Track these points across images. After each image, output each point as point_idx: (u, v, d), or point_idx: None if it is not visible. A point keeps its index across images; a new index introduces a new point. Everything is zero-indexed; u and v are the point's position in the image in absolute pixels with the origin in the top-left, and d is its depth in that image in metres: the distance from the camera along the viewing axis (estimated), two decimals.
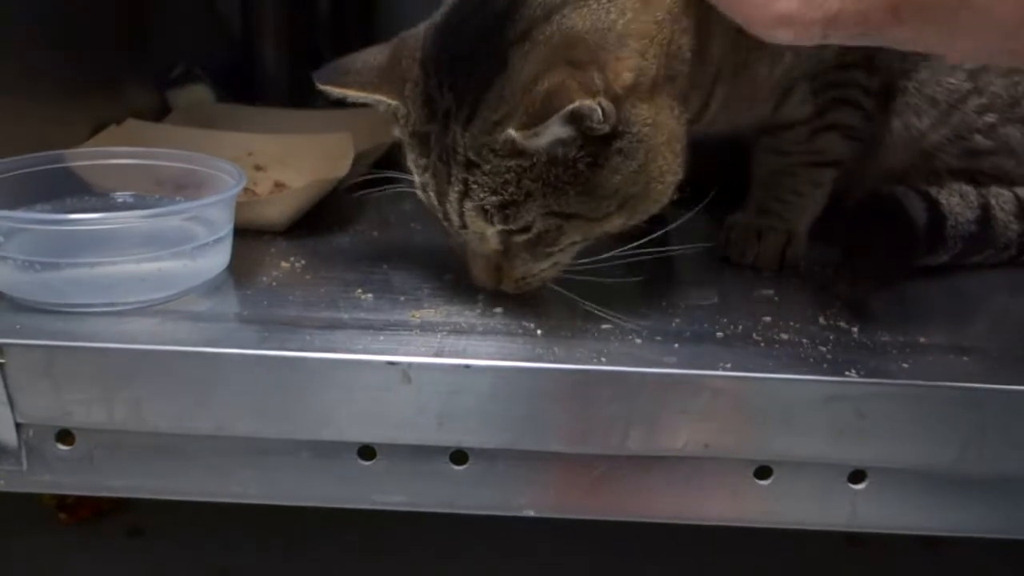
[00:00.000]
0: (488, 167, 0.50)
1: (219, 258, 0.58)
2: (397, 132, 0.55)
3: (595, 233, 0.53)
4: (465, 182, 0.51)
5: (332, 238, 0.67)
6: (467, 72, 0.50)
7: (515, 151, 0.49)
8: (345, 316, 0.54)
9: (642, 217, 0.54)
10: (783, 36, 0.45)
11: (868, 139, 0.66)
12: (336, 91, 0.54)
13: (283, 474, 0.52)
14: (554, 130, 0.47)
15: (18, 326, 0.51)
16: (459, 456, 0.51)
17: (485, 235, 0.52)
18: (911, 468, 0.51)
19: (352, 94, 0.54)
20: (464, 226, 0.52)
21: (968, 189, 0.63)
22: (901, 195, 0.60)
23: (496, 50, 0.49)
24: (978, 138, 0.67)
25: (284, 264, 0.61)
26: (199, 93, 0.92)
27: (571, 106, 0.46)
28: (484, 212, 0.51)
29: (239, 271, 0.59)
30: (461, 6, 0.53)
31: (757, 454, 0.51)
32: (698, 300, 0.59)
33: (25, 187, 0.59)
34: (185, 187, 0.63)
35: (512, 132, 0.47)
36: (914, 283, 0.60)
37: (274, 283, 0.58)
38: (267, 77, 1.01)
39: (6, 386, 0.50)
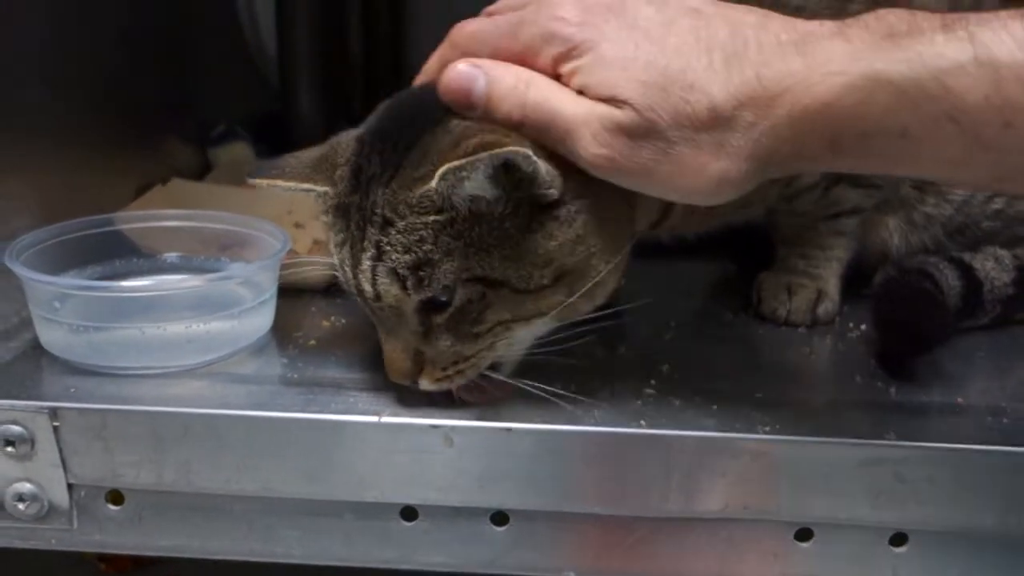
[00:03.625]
0: (403, 224, 0.47)
1: (264, 319, 0.59)
2: (323, 219, 0.53)
3: (527, 312, 0.49)
4: (378, 244, 0.48)
5: None
6: (398, 136, 0.49)
7: (434, 206, 0.47)
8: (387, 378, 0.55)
9: (583, 306, 0.51)
10: (724, 197, 0.45)
11: (886, 186, 0.66)
12: (266, 183, 0.53)
13: (326, 535, 0.53)
14: (479, 178, 0.45)
15: (72, 389, 0.52)
16: (500, 517, 0.52)
17: (403, 310, 0.49)
18: (952, 531, 0.51)
19: (283, 184, 0.53)
20: (378, 297, 0.49)
21: (1003, 253, 0.64)
22: (932, 266, 0.60)
23: (433, 112, 0.48)
24: (987, 224, 0.68)
25: (325, 323, 0.63)
26: (240, 150, 0.94)
27: (505, 150, 0.44)
28: (397, 276, 0.48)
29: (282, 331, 0.61)
30: (399, 96, 0.53)
31: (797, 516, 0.51)
32: (733, 358, 0.59)
33: (77, 250, 0.61)
34: (230, 247, 0.65)
35: (434, 176, 0.45)
36: (952, 343, 0.61)
37: (316, 343, 0.60)
38: (304, 134, 1.03)
39: (60, 448, 0.51)
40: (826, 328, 0.64)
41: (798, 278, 0.66)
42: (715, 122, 0.43)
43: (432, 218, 0.47)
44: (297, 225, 0.78)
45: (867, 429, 0.50)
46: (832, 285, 0.66)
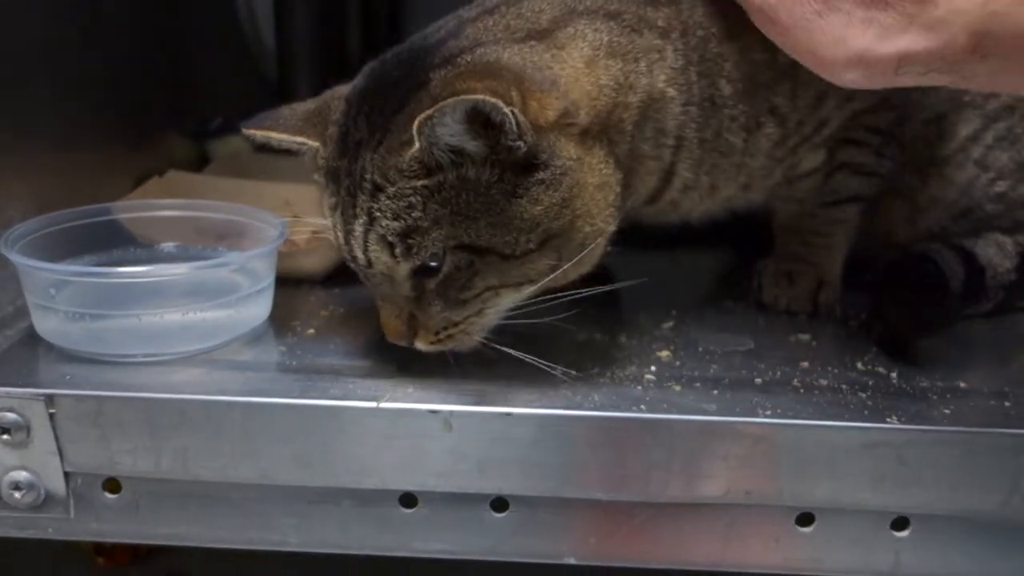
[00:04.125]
0: (393, 189, 0.47)
1: (261, 308, 0.59)
2: (316, 178, 0.53)
3: (514, 278, 0.49)
4: (370, 211, 0.48)
5: None
6: (384, 99, 0.49)
7: (423, 168, 0.47)
8: (385, 364, 0.55)
9: (573, 271, 0.51)
10: (854, 77, 0.45)
11: (888, 175, 0.66)
12: (260, 135, 0.54)
13: (324, 522, 0.53)
14: (450, 124, 0.44)
15: (68, 376, 0.52)
16: (500, 504, 0.52)
17: (394, 277, 0.50)
18: (955, 515, 0.50)
19: (275, 136, 0.53)
20: (369, 263, 0.50)
21: (1005, 239, 0.63)
22: (935, 252, 0.60)
23: (417, 76, 0.48)
24: (990, 207, 0.68)
25: (323, 313, 0.62)
26: (237, 143, 0.93)
27: (471, 97, 0.44)
28: (388, 244, 0.48)
29: (280, 320, 0.60)
30: (399, 47, 0.53)
31: (799, 501, 0.50)
32: (734, 346, 0.59)
33: (73, 239, 0.61)
34: (227, 237, 0.64)
35: (416, 127, 0.45)
36: (953, 328, 0.60)
37: (314, 332, 0.59)
38: None
39: (56, 436, 0.51)
40: (826, 315, 0.64)
41: (798, 265, 0.65)
42: (874, 2, 0.43)
43: (421, 183, 0.47)
44: (295, 216, 0.78)
45: (869, 413, 0.50)
46: (833, 272, 0.66)
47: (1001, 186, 0.67)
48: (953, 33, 0.41)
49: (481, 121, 0.46)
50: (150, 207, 0.65)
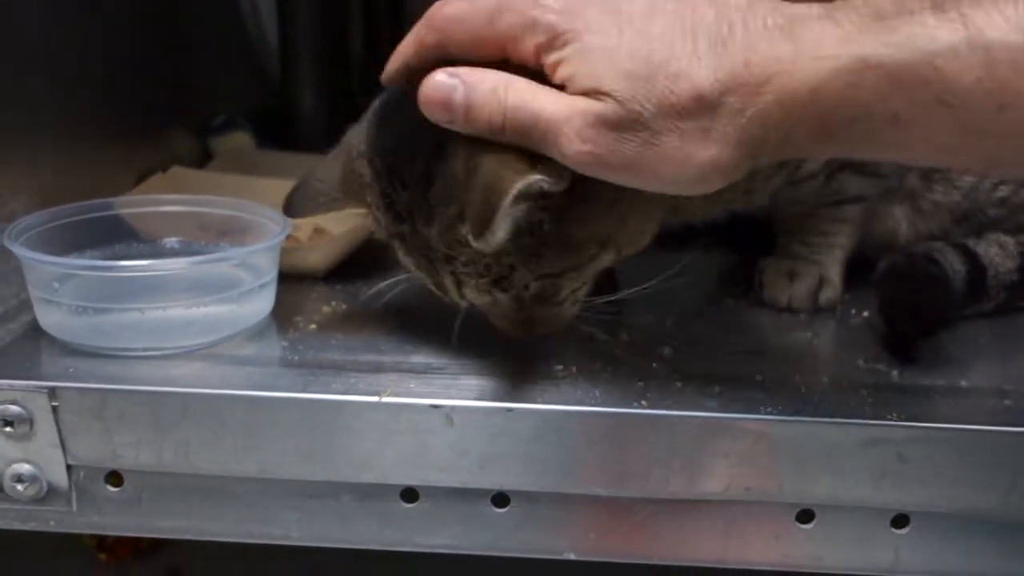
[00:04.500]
0: (464, 257, 0.50)
1: (263, 303, 0.59)
2: (377, 235, 0.55)
3: (592, 274, 0.53)
4: (453, 273, 0.51)
5: (372, 282, 0.67)
6: (410, 167, 0.50)
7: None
8: (387, 360, 0.55)
9: (636, 247, 0.53)
10: (711, 185, 0.44)
11: (890, 175, 0.66)
12: (305, 221, 0.56)
13: (325, 516, 0.53)
14: (502, 224, 0.46)
15: (71, 369, 0.52)
16: (501, 499, 0.52)
17: (496, 301, 0.52)
18: (955, 512, 0.50)
19: (324, 217, 0.55)
20: (472, 305, 0.53)
21: (1007, 239, 0.64)
22: (937, 251, 0.60)
23: (429, 136, 0.48)
24: (992, 211, 0.68)
25: (326, 308, 0.62)
26: (240, 140, 0.94)
27: (513, 192, 0.45)
28: (480, 291, 0.51)
29: (282, 316, 0.60)
30: (392, 94, 0.53)
31: (799, 498, 0.51)
32: (736, 343, 0.59)
33: (76, 234, 0.61)
34: (230, 233, 0.64)
35: (471, 239, 0.47)
36: (954, 327, 0.60)
37: (316, 327, 0.59)
38: (304, 124, 1.03)
39: (59, 429, 0.51)
40: (829, 314, 0.64)
41: (800, 264, 0.66)
42: (701, 109, 0.42)
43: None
44: None
45: (870, 410, 0.50)
46: (834, 272, 0.66)
47: (1004, 191, 0.67)
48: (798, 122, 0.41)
49: (520, 198, 0.46)
50: (153, 202, 0.65)
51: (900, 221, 0.68)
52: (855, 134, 0.41)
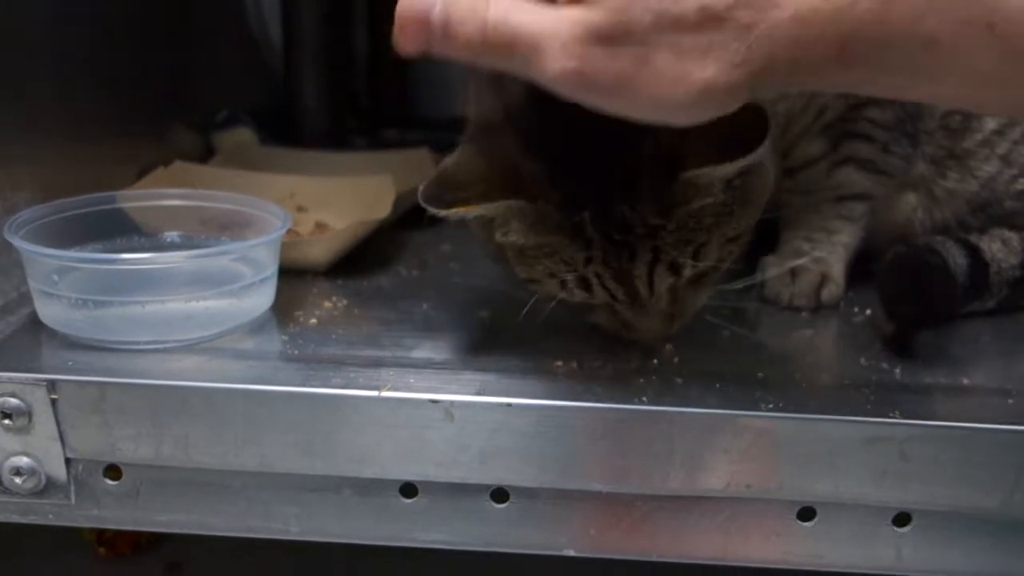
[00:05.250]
0: (674, 223, 0.48)
1: (264, 297, 0.59)
2: (514, 237, 0.51)
3: (745, 243, 0.53)
4: (654, 249, 0.49)
5: (373, 278, 0.68)
6: (601, 140, 0.47)
7: (701, 192, 0.48)
8: (387, 355, 0.55)
9: None
10: (705, 112, 0.40)
11: (897, 172, 0.66)
12: (454, 213, 0.49)
13: (324, 511, 0.53)
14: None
15: (70, 362, 0.52)
16: (500, 494, 0.52)
17: (660, 295, 0.51)
18: (957, 511, 0.50)
19: (473, 211, 0.49)
20: (651, 293, 0.51)
21: (1011, 235, 0.63)
22: (939, 244, 0.60)
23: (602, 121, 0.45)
24: (1009, 203, 0.67)
25: (327, 303, 0.62)
26: (243, 136, 0.94)
27: (768, 132, 0.44)
28: (673, 268, 0.50)
29: (283, 310, 0.60)
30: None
31: (800, 495, 0.50)
32: (737, 340, 0.58)
33: (77, 227, 0.61)
34: (230, 227, 0.64)
35: (707, 171, 0.46)
36: (956, 324, 0.60)
37: (317, 322, 0.59)
38: (307, 120, 1.03)
39: (58, 421, 0.51)
40: (831, 311, 0.64)
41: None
42: (704, 23, 0.37)
43: (699, 204, 0.48)
44: (300, 209, 0.78)
45: (872, 408, 0.50)
46: (837, 270, 0.66)
47: (1022, 183, 0.66)
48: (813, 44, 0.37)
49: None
50: (154, 196, 0.65)
51: (916, 208, 0.68)
52: (882, 60, 0.37)
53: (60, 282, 0.55)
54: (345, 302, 0.63)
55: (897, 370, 0.55)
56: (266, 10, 1.10)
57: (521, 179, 0.50)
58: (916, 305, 0.56)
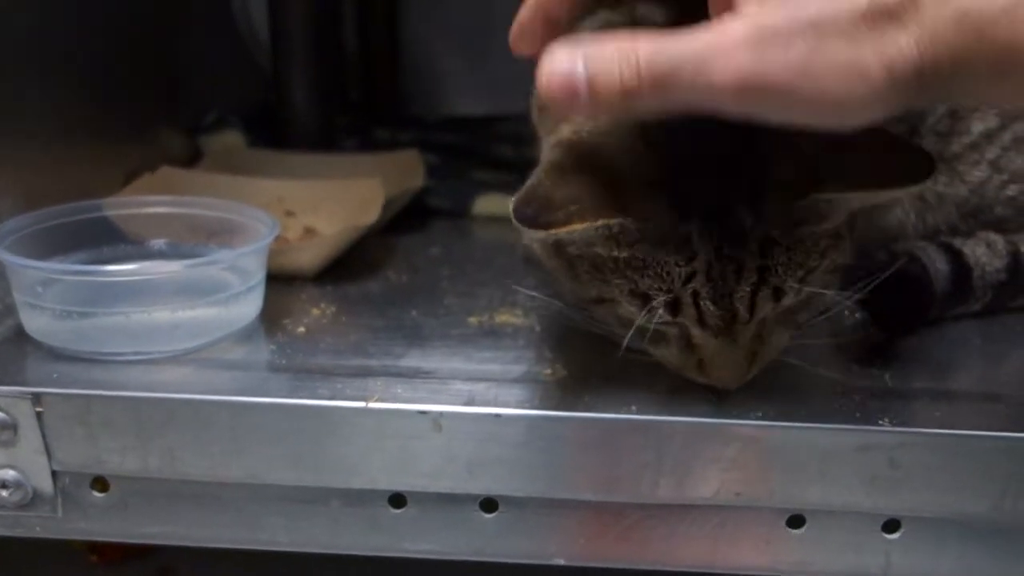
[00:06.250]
0: (790, 241, 0.46)
1: (252, 306, 0.58)
2: (600, 249, 0.47)
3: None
4: (762, 268, 0.46)
5: (361, 284, 0.67)
6: (729, 146, 0.46)
7: (832, 215, 0.46)
8: (375, 364, 0.55)
9: None
10: (871, 112, 0.38)
11: None
12: (552, 233, 0.46)
13: (313, 522, 0.52)
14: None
15: (55, 375, 0.52)
16: (489, 504, 0.51)
17: (751, 323, 0.48)
18: (946, 518, 0.50)
19: (573, 229, 0.46)
20: (749, 318, 0.47)
21: (996, 238, 0.63)
22: (920, 250, 0.60)
23: (737, 129, 0.43)
24: (1000, 210, 0.67)
25: (315, 311, 0.62)
26: (231, 139, 0.93)
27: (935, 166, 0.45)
28: (777, 292, 0.47)
29: (270, 318, 0.60)
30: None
31: (790, 503, 0.50)
32: None
33: (62, 236, 0.60)
34: (218, 234, 0.64)
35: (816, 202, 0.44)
36: (946, 329, 0.60)
37: (305, 330, 0.59)
38: (296, 122, 1.02)
39: (43, 434, 0.50)
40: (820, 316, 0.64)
41: None
42: (876, 13, 0.36)
43: (821, 226, 0.46)
44: (288, 213, 0.77)
45: (861, 415, 0.50)
46: None
47: (1013, 190, 0.66)
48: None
49: None
50: (141, 204, 0.65)
51: (908, 212, 0.67)
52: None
53: (44, 294, 0.54)
54: (334, 309, 0.63)
55: (887, 376, 0.55)
56: (253, 9, 1.09)
57: (620, 196, 0.47)
58: (892, 310, 0.56)
